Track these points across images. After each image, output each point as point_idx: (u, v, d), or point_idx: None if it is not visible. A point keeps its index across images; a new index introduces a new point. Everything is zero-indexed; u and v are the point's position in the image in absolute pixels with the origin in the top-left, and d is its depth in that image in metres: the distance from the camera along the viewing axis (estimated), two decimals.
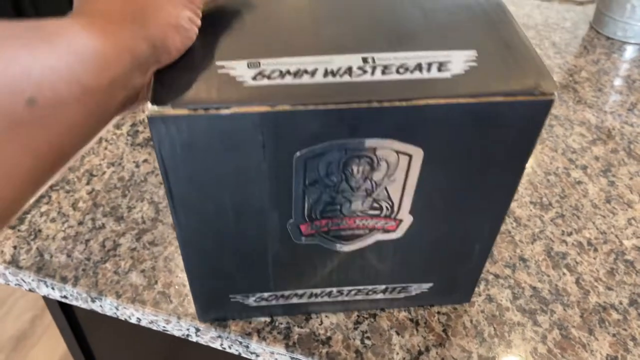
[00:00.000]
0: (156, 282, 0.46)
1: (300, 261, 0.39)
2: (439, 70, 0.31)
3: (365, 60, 0.31)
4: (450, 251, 0.40)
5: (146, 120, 0.64)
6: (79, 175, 0.57)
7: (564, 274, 0.48)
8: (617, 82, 0.74)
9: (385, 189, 0.35)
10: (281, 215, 0.35)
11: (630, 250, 0.50)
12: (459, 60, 0.32)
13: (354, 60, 0.31)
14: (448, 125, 0.31)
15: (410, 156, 0.33)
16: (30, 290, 0.48)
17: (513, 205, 0.54)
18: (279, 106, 0.29)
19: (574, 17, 0.90)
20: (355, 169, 0.33)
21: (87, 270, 0.47)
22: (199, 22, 0.31)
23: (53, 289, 0.47)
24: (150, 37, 0.27)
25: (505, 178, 0.35)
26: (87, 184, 0.56)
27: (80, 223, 0.51)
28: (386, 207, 0.36)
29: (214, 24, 0.34)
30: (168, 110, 0.28)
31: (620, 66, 0.77)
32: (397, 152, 0.33)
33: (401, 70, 0.31)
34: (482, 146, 0.33)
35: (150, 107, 0.28)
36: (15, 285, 0.48)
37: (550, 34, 0.84)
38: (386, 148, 0.32)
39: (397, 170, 0.34)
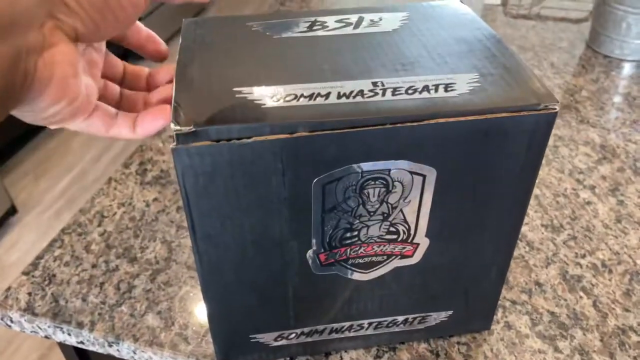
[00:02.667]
0: (173, 324, 0.46)
1: (319, 293, 0.39)
2: (446, 90, 0.32)
3: (375, 84, 0.33)
4: (468, 274, 0.40)
5: (154, 158, 0.64)
6: (90, 217, 0.57)
7: (580, 297, 0.47)
8: (618, 99, 0.75)
9: (402, 211, 0.35)
10: (300, 245, 0.36)
11: None
12: (463, 82, 0.33)
13: (364, 84, 0.33)
14: (459, 143, 0.32)
15: (424, 176, 0.33)
16: (46, 337, 0.48)
17: (524, 229, 0.54)
18: (298, 132, 0.30)
19: (570, 37, 0.91)
20: (371, 192, 0.34)
21: (103, 315, 0.47)
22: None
23: (70, 334, 0.46)
24: None
25: (517, 193, 0.36)
26: (99, 225, 0.56)
27: (94, 266, 0.51)
28: (403, 230, 0.36)
29: (223, 55, 0.35)
30: (192, 143, 0.29)
31: (619, 84, 0.78)
32: (411, 173, 0.33)
33: (410, 91, 0.32)
34: (493, 162, 0.34)
35: (174, 138, 0.29)
36: (31, 332, 0.48)
37: (548, 55, 0.86)
38: (400, 169, 0.33)
39: (411, 191, 0.34)
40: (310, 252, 0.36)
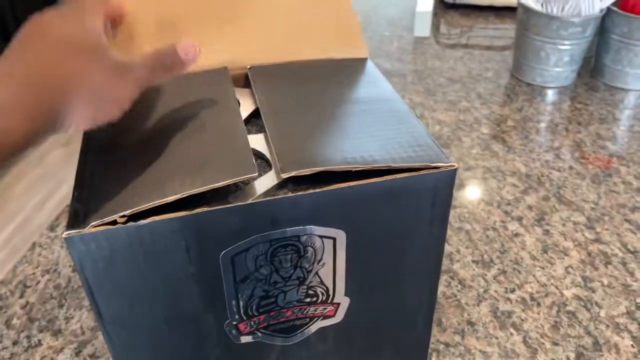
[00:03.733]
0: None
1: None
2: None
3: None
4: (394, 327, 0.40)
5: None
6: (12, 288, 0.54)
7: (511, 334, 0.48)
8: (542, 126, 0.77)
9: (317, 274, 0.35)
10: (217, 317, 0.35)
11: (570, 300, 0.51)
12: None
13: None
14: (364, 205, 0.33)
15: (334, 239, 0.33)
16: None
17: (456, 266, 0.55)
18: (197, 209, 0.29)
19: (495, 66, 0.95)
20: (283, 258, 0.33)
21: None
22: (126, 106, 0.31)
23: None
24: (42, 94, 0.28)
25: (429, 245, 0.36)
26: (21, 296, 0.53)
27: (15, 343, 0.49)
28: (321, 292, 0.36)
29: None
30: (85, 228, 0.28)
31: (543, 111, 0.81)
32: (320, 237, 0.33)
33: None
34: (400, 220, 0.34)
35: (66, 229, 0.28)
36: None
37: (475, 85, 0.88)
38: (308, 234, 0.33)
39: (324, 255, 0.34)
40: (227, 323, 0.35)
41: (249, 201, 0.31)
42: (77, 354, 0.47)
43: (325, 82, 0.42)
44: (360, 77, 0.43)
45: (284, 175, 0.31)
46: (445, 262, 0.55)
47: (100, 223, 0.28)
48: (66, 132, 0.30)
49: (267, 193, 0.32)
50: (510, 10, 1.13)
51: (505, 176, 0.68)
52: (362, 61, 0.45)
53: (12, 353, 0.48)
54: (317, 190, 0.31)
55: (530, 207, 0.62)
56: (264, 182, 0.33)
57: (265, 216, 0.31)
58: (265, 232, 0.32)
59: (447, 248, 0.57)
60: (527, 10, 0.82)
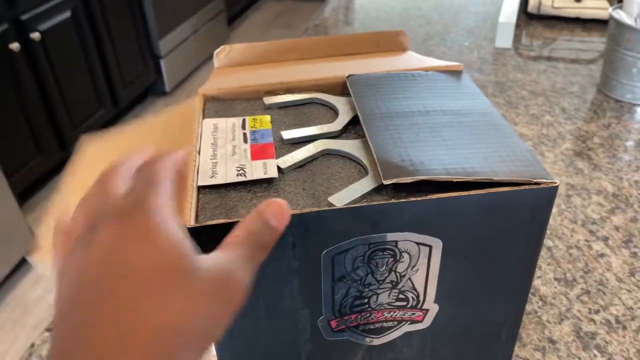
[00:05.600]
0: None
1: (332, 358, 0.40)
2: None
3: None
4: (478, 338, 0.41)
5: None
6: None
7: (595, 355, 0.47)
8: (631, 145, 0.75)
9: (410, 279, 0.36)
10: (312, 312, 0.37)
11: None
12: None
13: None
14: (462, 216, 0.34)
15: (430, 247, 0.35)
16: None
17: (537, 282, 0.55)
18: (306, 209, 0.32)
19: (581, 81, 0.92)
20: (379, 261, 0.35)
21: None
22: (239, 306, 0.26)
23: None
24: None
25: (522, 261, 0.37)
26: None
27: None
28: (412, 297, 0.37)
29: None
30: (204, 222, 0.31)
31: (631, 129, 0.78)
32: (417, 244, 0.34)
33: None
34: (497, 234, 0.35)
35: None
36: None
37: (559, 99, 0.87)
38: (406, 240, 0.34)
39: (419, 261, 0.35)
40: (321, 319, 0.37)
41: (354, 204, 0.32)
42: None
43: (423, 91, 0.43)
44: (457, 88, 0.44)
45: (386, 182, 0.32)
46: None
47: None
48: None
49: (364, 197, 0.34)
50: (597, 22, 1.10)
51: (591, 194, 0.66)
52: (457, 73, 0.46)
53: None
54: (419, 198, 0.32)
55: (617, 228, 0.61)
56: (361, 187, 0.34)
57: (367, 220, 0.33)
58: (365, 235, 0.33)
59: None
60: (620, 24, 0.80)
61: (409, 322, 0.38)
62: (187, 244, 0.25)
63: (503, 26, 1.01)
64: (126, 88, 2.37)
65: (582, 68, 0.96)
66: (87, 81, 2.12)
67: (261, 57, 0.54)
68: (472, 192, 0.33)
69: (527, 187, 0.33)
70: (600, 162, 0.72)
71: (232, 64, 0.54)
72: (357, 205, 0.32)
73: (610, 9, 0.84)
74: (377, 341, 0.39)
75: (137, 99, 2.59)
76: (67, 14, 1.95)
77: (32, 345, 0.51)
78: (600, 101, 0.86)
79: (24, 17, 1.77)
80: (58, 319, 0.23)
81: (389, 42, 0.56)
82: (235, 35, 3.31)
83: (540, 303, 0.52)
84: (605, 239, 0.59)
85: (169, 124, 0.44)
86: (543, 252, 0.58)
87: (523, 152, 0.35)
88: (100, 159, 0.40)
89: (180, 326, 0.22)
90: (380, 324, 0.38)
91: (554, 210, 0.64)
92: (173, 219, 0.25)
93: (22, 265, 1.73)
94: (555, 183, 0.33)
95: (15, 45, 1.71)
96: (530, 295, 0.53)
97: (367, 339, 0.39)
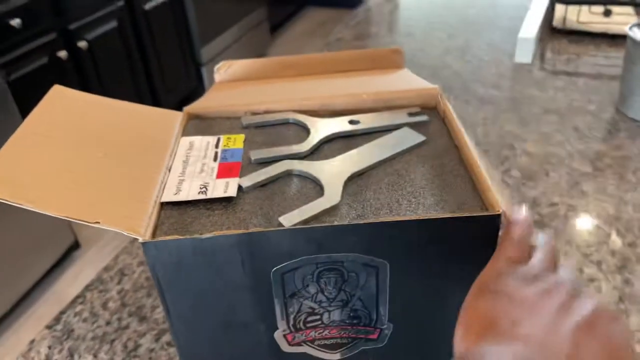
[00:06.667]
0: None
1: None
2: None
3: None
4: (438, 356, 0.41)
5: None
6: (112, 274, 0.62)
7: None
8: None
9: (360, 299, 0.37)
10: (267, 326, 0.38)
11: None
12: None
13: None
14: (408, 240, 0.35)
15: (376, 268, 0.36)
16: None
17: None
18: (252, 228, 0.33)
19: (599, 99, 0.90)
20: (327, 280, 0.36)
21: None
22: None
23: None
24: None
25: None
26: (118, 283, 0.61)
27: (108, 323, 0.56)
28: (364, 316, 0.38)
29: None
30: (159, 237, 0.33)
31: None
32: (364, 265, 0.35)
33: None
34: (444, 257, 0.36)
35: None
36: None
37: (573, 118, 0.85)
38: (352, 261, 0.35)
39: (367, 281, 0.36)
40: (277, 333, 0.39)
41: (301, 226, 0.34)
42: (157, 339, 0.54)
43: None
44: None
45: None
46: None
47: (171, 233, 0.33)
48: None
49: (315, 218, 0.35)
50: (625, 38, 1.06)
51: (591, 217, 0.65)
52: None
53: (104, 332, 0.55)
54: (364, 222, 0.34)
55: (612, 253, 0.59)
56: (313, 207, 0.36)
57: (313, 241, 0.34)
58: (312, 254, 0.35)
59: None
60: (636, 43, 0.78)
61: (365, 340, 0.40)
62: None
63: (522, 41, 1.00)
64: (168, 94, 2.46)
65: (602, 85, 0.94)
66: (130, 87, 2.22)
67: (260, 73, 0.57)
68: (413, 217, 0.34)
69: (469, 214, 0.34)
70: (605, 183, 0.70)
71: (232, 79, 0.57)
72: (303, 226, 0.34)
73: (626, 27, 0.81)
74: (335, 357, 0.41)
75: (178, 106, 2.67)
76: (113, 24, 2.05)
77: (32, 341, 0.55)
78: (617, 120, 0.84)
79: (72, 26, 1.87)
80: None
81: (384, 60, 0.57)
82: (276, 44, 3.37)
83: None
84: (598, 264, 0.58)
85: (147, 120, 0.46)
86: None
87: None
88: (64, 110, 0.42)
89: None
90: (335, 340, 0.39)
91: (551, 230, 0.63)
92: None
93: (63, 260, 1.82)
94: (498, 213, 0.33)
95: (63, 54, 1.81)
96: None
97: (325, 354, 0.40)
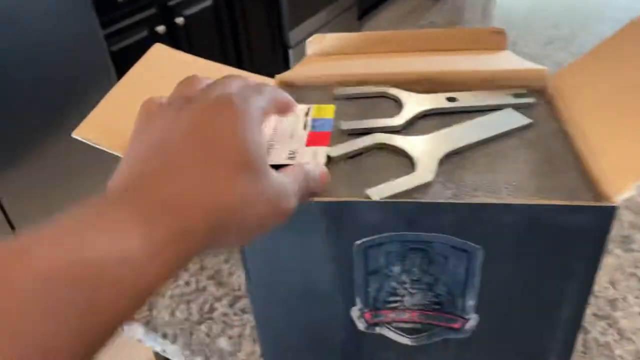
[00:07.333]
0: (240, 350, 0.50)
1: (366, 351, 0.40)
2: None
3: None
4: (522, 357, 0.38)
5: None
6: None
7: None
8: None
9: (445, 284, 0.35)
10: (345, 301, 0.37)
11: None
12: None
13: None
14: (508, 227, 0.32)
15: (468, 253, 0.33)
16: (139, 340, 0.55)
17: (618, 314, 0.50)
18: (340, 197, 0.32)
19: None
20: (413, 261, 0.34)
21: (184, 330, 0.52)
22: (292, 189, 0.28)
23: (156, 342, 0.53)
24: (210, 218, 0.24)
25: (574, 286, 0.34)
26: None
27: (187, 284, 0.57)
28: (447, 303, 0.36)
29: None
30: None
31: None
32: (454, 248, 0.33)
33: None
34: (546, 249, 0.32)
35: None
36: (128, 333, 0.55)
37: None
38: (442, 243, 0.33)
39: (455, 267, 0.34)
40: (355, 309, 0.37)
41: (390, 199, 0.32)
42: (231, 305, 0.54)
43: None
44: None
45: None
46: (605, 308, 0.50)
47: None
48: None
49: (405, 194, 0.33)
50: None
51: None
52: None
53: (182, 292, 0.57)
54: (460, 201, 0.31)
55: None
56: (404, 183, 0.34)
57: (402, 217, 0.32)
58: (399, 231, 0.33)
59: (611, 293, 0.51)
60: None
61: (446, 328, 0.37)
62: (265, 150, 0.28)
63: None
64: (255, 74, 2.51)
65: None
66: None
67: (352, 48, 0.55)
68: (517, 202, 0.31)
69: (582, 203, 0.31)
70: None
71: (323, 53, 0.56)
72: (392, 200, 0.32)
73: None
74: (413, 342, 0.39)
75: None
76: (209, 2, 2.11)
77: None
78: None
79: (171, 2, 1.94)
80: (133, 161, 0.26)
81: (485, 40, 0.54)
82: (364, 29, 3.33)
83: (618, 337, 0.48)
84: None
85: None
86: (632, 283, 0.52)
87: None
88: (162, 66, 0.43)
89: (237, 206, 0.25)
90: (415, 325, 0.38)
91: None
92: (261, 127, 0.28)
93: None
94: (615, 204, 0.30)
95: (161, 28, 1.88)
96: (606, 327, 0.49)
97: (402, 339, 0.39)
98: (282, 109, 0.34)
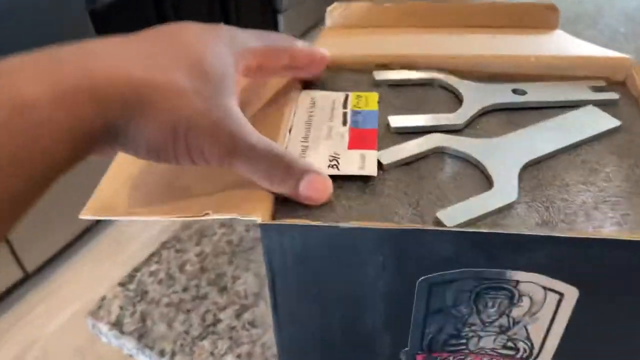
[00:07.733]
0: None
1: None
2: None
3: None
4: None
5: None
6: (191, 233, 0.56)
7: None
8: None
9: (525, 328, 0.29)
10: (394, 341, 0.30)
11: None
12: None
13: None
14: (611, 265, 0.25)
15: (561, 295, 0.27)
16: (130, 355, 0.48)
17: None
18: (401, 223, 0.25)
19: None
20: (490, 302, 0.28)
21: (184, 346, 0.45)
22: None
23: (150, 359, 0.46)
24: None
25: None
26: (197, 244, 0.55)
27: (185, 289, 0.50)
28: (524, 348, 0.30)
29: None
30: (284, 219, 0.26)
31: None
32: (545, 289, 0.27)
33: None
34: None
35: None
36: (117, 346, 0.48)
37: None
38: (532, 282, 0.26)
39: (542, 309, 0.27)
40: (405, 351, 0.31)
41: (469, 227, 0.25)
42: (238, 316, 0.47)
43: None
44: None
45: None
46: None
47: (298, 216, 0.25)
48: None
49: (484, 217, 0.26)
50: None
51: None
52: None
53: (180, 299, 0.49)
54: (559, 234, 0.24)
55: None
56: (482, 204, 0.27)
57: (484, 250, 0.25)
58: (477, 267, 0.26)
59: None
60: None
61: None
62: (233, 70, 0.27)
63: None
64: None
65: None
66: None
67: (379, 20, 0.47)
68: (626, 237, 0.24)
69: None
70: None
71: (345, 25, 0.47)
72: (471, 230, 0.25)
73: None
74: None
75: None
76: None
77: (104, 298, 0.50)
78: None
79: None
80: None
81: (534, 17, 0.46)
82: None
83: None
84: None
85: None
86: None
87: None
88: None
89: (161, 97, 0.24)
90: None
91: None
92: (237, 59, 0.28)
93: None
94: None
95: None
96: None
97: None
98: (304, 63, 0.33)
